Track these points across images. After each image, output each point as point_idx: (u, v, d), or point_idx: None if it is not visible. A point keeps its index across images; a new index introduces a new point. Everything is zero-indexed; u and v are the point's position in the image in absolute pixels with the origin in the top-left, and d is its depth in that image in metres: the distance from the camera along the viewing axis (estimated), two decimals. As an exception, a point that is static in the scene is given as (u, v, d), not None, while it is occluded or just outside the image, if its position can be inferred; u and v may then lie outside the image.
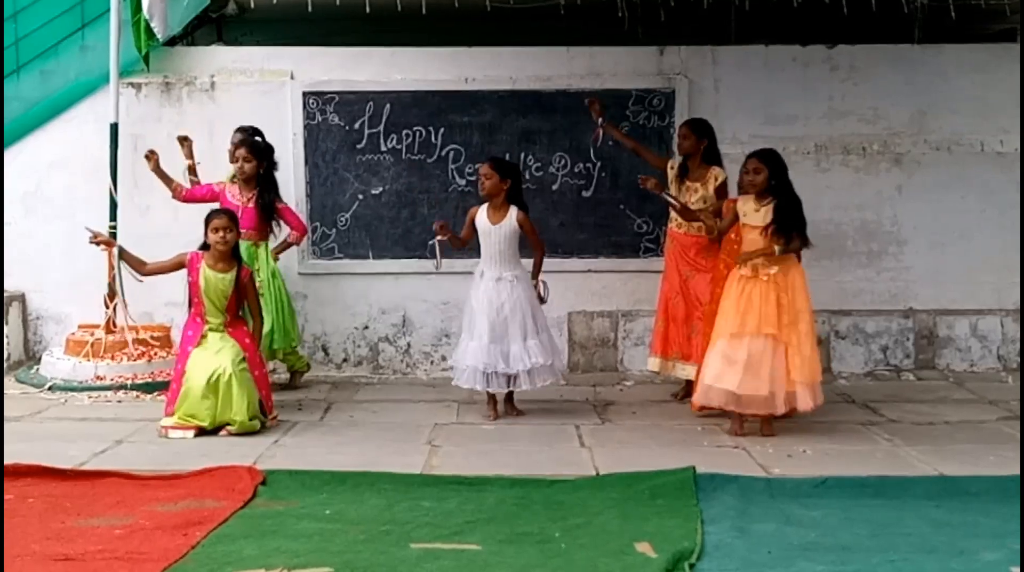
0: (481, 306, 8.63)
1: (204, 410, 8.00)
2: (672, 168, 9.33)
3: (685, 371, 9.07)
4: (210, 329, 8.26)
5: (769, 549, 5.52)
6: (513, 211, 8.69)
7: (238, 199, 9.29)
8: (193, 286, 8.32)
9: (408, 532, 5.79)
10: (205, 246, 8.35)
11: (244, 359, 8.18)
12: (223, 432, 8.03)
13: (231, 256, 8.36)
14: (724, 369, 7.85)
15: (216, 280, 8.25)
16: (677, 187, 9.17)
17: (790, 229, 7.97)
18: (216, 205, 9.01)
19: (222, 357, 8.10)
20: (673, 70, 10.72)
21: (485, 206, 8.78)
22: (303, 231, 9.47)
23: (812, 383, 7.94)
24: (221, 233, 8.24)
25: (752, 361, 7.81)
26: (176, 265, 8.43)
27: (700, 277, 8.98)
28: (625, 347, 10.72)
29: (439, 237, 8.75)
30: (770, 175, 8.05)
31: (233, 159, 9.43)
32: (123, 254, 8.76)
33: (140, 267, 8.67)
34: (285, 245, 9.60)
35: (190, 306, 8.42)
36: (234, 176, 9.48)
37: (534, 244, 8.83)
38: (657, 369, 9.34)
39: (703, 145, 9.11)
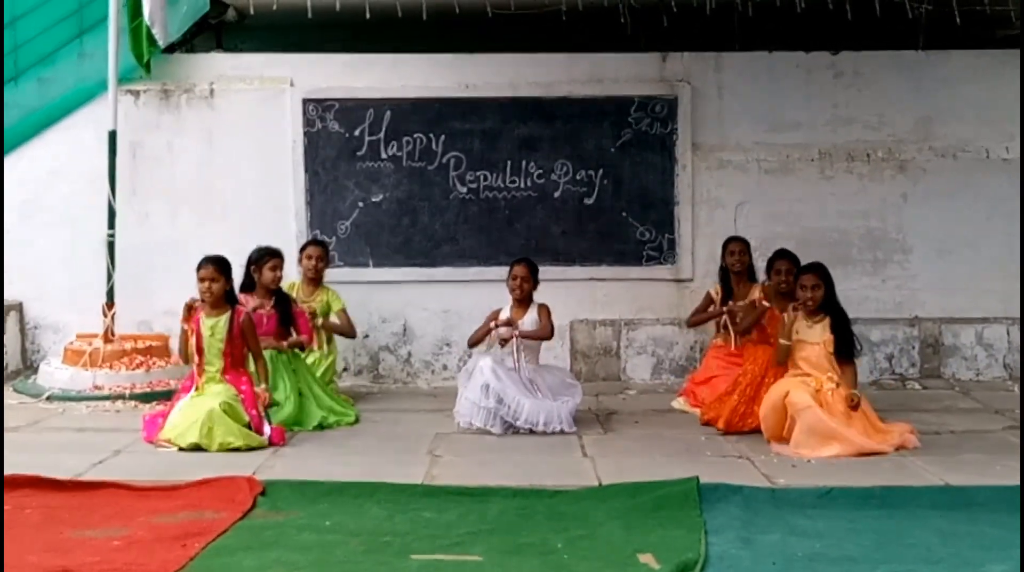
0: (484, 369, 8.49)
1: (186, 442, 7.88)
2: (717, 293, 9.61)
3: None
4: (207, 379, 8.18)
5: (774, 560, 5.48)
6: (535, 305, 8.86)
7: (260, 309, 8.84)
8: (196, 336, 8.25)
9: (409, 543, 5.74)
10: None
11: (236, 397, 8.06)
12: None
13: (224, 301, 8.28)
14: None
15: (211, 326, 8.21)
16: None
17: (849, 349, 8.04)
18: (207, 253, 8.48)
19: (210, 400, 7.95)
20: (676, 76, 10.70)
21: (508, 305, 8.90)
22: (310, 339, 9.26)
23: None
24: (206, 283, 8.19)
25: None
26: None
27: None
28: (628, 356, 10.68)
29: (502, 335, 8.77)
30: (826, 290, 8.10)
31: (264, 270, 8.96)
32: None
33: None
34: (297, 342, 9.04)
35: (197, 355, 8.29)
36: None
37: (544, 326, 8.80)
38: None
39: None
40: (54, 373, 9.81)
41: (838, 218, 10.73)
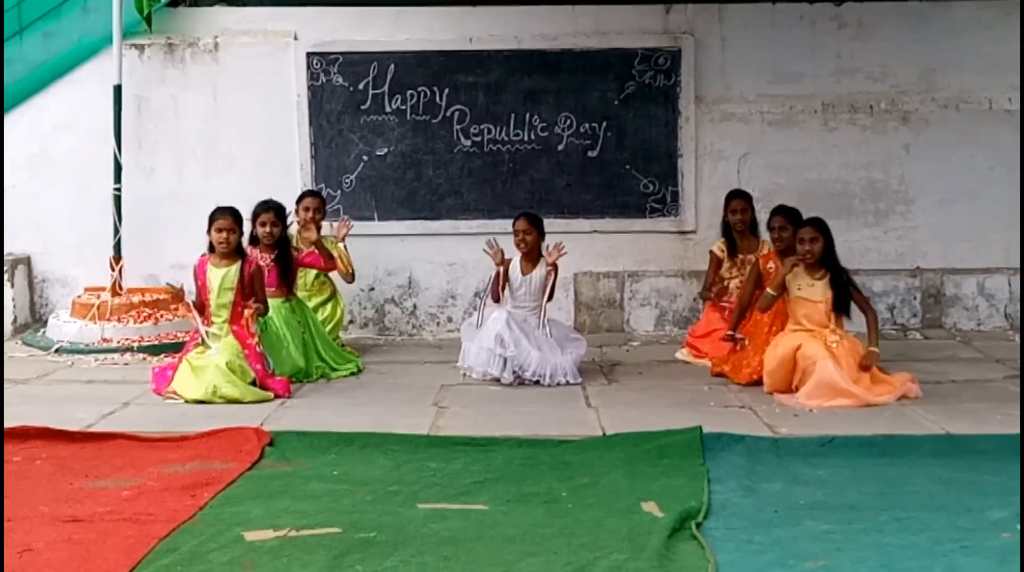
0: (495, 316, 8.59)
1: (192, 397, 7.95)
2: (722, 250, 9.58)
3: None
4: (212, 333, 8.24)
5: (776, 508, 5.52)
6: (543, 261, 8.83)
7: (262, 261, 8.77)
8: (202, 288, 8.33)
9: (415, 492, 5.79)
10: (212, 247, 8.37)
11: (241, 353, 8.10)
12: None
13: (234, 252, 8.35)
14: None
15: (221, 276, 8.27)
16: (731, 262, 9.54)
17: (847, 304, 8.09)
18: (221, 205, 8.51)
19: (216, 357, 8.02)
20: (679, 28, 10.66)
21: (518, 258, 8.86)
22: (328, 267, 9.28)
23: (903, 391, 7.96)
24: (224, 234, 8.25)
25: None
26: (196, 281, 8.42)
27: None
28: (631, 308, 10.72)
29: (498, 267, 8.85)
30: (825, 244, 8.10)
31: (256, 225, 8.93)
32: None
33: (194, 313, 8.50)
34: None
35: (201, 310, 8.38)
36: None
37: (549, 293, 8.86)
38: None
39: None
40: (63, 326, 9.86)
41: (841, 169, 10.73)
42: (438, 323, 10.78)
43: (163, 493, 5.74)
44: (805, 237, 8.14)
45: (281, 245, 8.96)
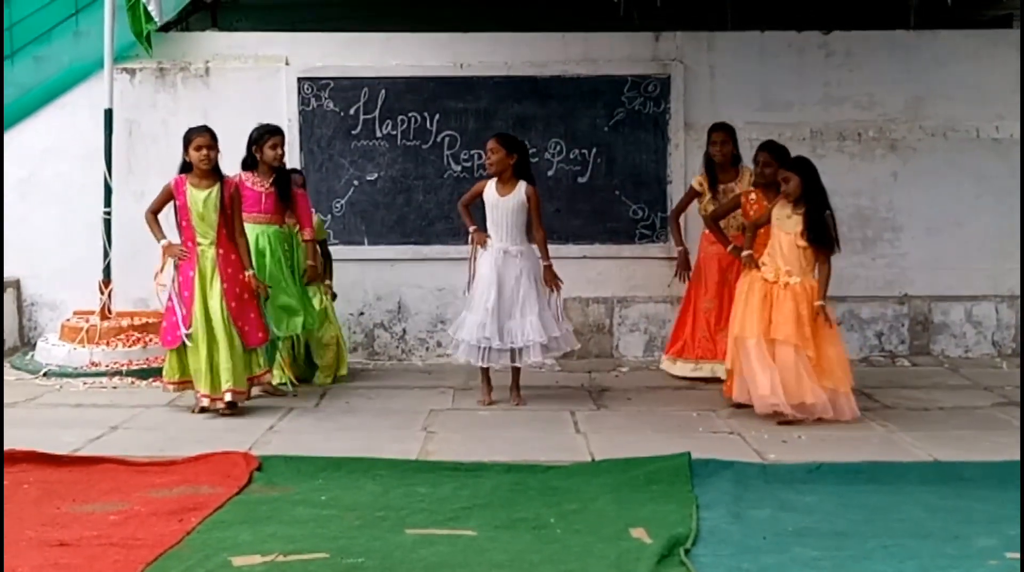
0: (485, 276, 8.59)
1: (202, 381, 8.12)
2: (701, 185, 9.54)
3: (714, 370, 9.23)
4: (201, 254, 8.28)
5: (764, 534, 5.53)
6: (522, 185, 8.66)
7: (260, 186, 8.96)
8: (182, 209, 8.31)
9: (403, 518, 5.79)
10: (187, 167, 8.35)
11: (226, 310, 8.23)
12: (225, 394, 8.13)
13: (213, 172, 8.33)
14: (770, 380, 7.84)
15: (202, 197, 8.26)
16: (711, 195, 9.45)
17: (821, 240, 8.12)
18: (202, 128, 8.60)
19: (212, 303, 8.21)
20: (669, 56, 10.71)
21: (493, 180, 8.74)
22: (310, 229, 9.28)
23: (844, 391, 8.01)
24: (204, 151, 8.24)
25: (787, 370, 7.86)
26: (167, 197, 8.41)
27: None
28: (620, 333, 10.73)
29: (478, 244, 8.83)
30: (802, 183, 8.13)
31: (265, 148, 9.00)
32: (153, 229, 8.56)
33: (156, 225, 8.51)
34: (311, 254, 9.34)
35: (180, 232, 8.39)
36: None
37: (536, 223, 8.68)
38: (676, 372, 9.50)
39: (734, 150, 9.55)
40: (51, 350, 9.83)
41: (829, 196, 10.73)
42: (427, 348, 10.78)
43: (150, 518, 5.73)
44: (781, 177, 8.23)
45: (280, 170, 9.06)
